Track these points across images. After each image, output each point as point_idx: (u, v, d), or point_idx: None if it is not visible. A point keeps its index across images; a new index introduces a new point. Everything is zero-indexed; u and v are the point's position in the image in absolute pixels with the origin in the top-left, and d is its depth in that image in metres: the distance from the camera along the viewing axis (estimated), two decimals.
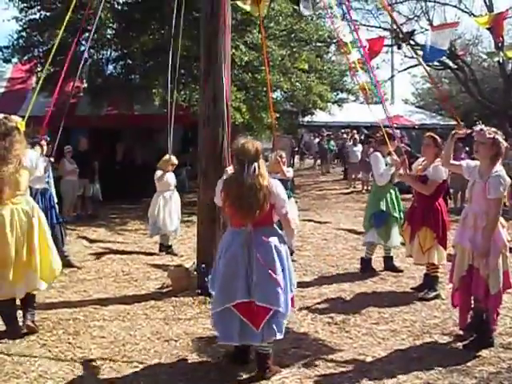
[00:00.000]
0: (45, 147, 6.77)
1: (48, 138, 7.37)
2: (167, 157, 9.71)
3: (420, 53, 23.87)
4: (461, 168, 5.71)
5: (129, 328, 5.98)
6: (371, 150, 11.96)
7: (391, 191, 8.10)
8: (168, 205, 9.74)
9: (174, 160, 9.86)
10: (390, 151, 7.75)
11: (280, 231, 4.92)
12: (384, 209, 7.98)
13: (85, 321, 6.22)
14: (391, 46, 19.71)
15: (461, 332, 5.69)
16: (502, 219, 5.39)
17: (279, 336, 4.69)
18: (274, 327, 4.63)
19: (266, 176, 4.68)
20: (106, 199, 14.60)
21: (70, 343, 5.54)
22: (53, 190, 8.42)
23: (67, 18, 6.61)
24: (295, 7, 14.51)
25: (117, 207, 15.22)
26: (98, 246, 10.56)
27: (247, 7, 8.24)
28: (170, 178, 9.85)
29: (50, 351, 5.35)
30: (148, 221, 10.16)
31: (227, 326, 4.67)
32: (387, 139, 7.73)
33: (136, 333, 5.85)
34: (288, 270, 4.77)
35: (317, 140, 30.05)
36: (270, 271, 4.57)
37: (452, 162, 5.94)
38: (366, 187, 19.07)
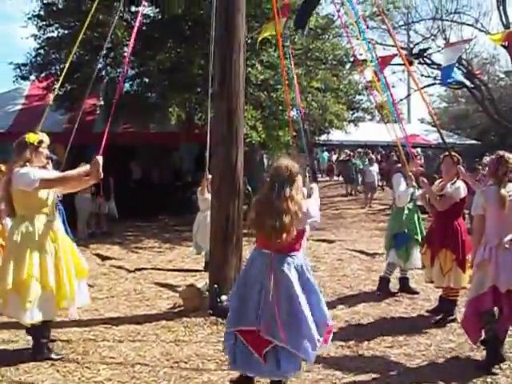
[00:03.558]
0: (50, 165, 6.75)
1: (54, 156, 7.36)
2: (210, 176, 9.68)
3: (435, 72, 23.84)
4: None
5: (139, 348, 5.92)
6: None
7: (414, 213, 8.00)
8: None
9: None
10: (409, 171, 7.72)
11: (304, 258, 4.65)
12: (406, 230, 7.89)
13: (95, 340, 6.17)
14: (404, 64, 19.63)
15: (477, 357, 5.58)
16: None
17: (290, 375, 4.50)
18: (284, 363, 4.35)
19: (297, 200, 4.38)
20: (121, 216, 14.61)
21: (78, 363, 5.49)
22: None
23: (80, 37, 6.63)
24: (311, 27, 14.62)
25: (132, 225, 15.20)
26: (111, 264, 10.52)
27: (269, 31, 8.28)
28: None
29: (57, 371, 5.30)
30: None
31: (234, 352, 4.50)
32: (405, 160, 7.71)
33: (146, 353, 5.78)
34: (314, 302, 4.49)
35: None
36: (282, 302, 4.33)
37: None
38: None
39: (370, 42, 8.81)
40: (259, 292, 4.40)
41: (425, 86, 29.49)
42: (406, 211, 7.97)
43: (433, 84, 27.42)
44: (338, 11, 13.59)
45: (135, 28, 6.56)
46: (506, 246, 5.28)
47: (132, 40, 6.71)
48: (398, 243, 7.94)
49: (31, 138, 5.49)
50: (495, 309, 5.35)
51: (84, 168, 5.63)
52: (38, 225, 5.41)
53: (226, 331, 4.69)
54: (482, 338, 5.50)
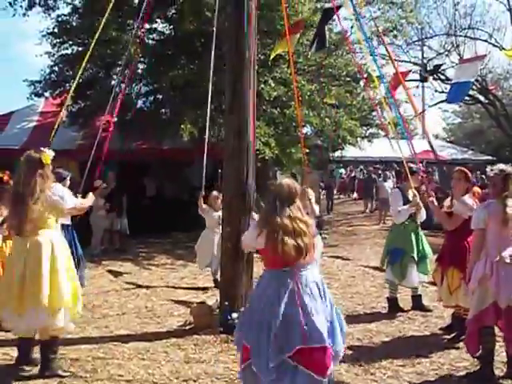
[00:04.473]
0: (67, 182, 6.80)
1: (69, 174, 7.40)
2: (214, 193, 9.66)
3: (448, 87, 23.84)
4: None
5: (148, 366, 5.86)
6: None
7: (412, 230, 7.91)
8: (215, 240, 9.50)
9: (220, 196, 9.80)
10: (413, 187, 7.67)
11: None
12: (401, 247, 7.83)
13: (104, 358, 6.12)
14: (421, 80, 19.55)
15: None
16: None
17: None
18: None
19: (306, 220, 4.34)
20: (135, 233, 14.57)
21: (86, 381, 5.45)
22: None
23: (89, 53, 6.67)
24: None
25: (145, 241, 15.17)
26: (123, 281, 10.50)
27: (281, 48, 8.34)
28: (217, 214, 9.65)
29: None
30: (196, 255, 10.13)
31: None
32: (409, 175, 7.65)
33: (155, 371, 5.72)
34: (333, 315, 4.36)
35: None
36: (301, 315, 4.16)
37: None
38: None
39: (383, 58, 8.81)
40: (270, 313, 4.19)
41: (437, 103, 29.42)
42: (402, 228, 7.92)
43: (444, 101, 27.40)
44: (351, 27, 13.63)
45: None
46: (507, 260, 5.28)
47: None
48: (391, 259, 7.93)
49: (47, 159, 5.51)
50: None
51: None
52: (61, 238, 5.75)
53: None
54: (479, 353, 5.52)
